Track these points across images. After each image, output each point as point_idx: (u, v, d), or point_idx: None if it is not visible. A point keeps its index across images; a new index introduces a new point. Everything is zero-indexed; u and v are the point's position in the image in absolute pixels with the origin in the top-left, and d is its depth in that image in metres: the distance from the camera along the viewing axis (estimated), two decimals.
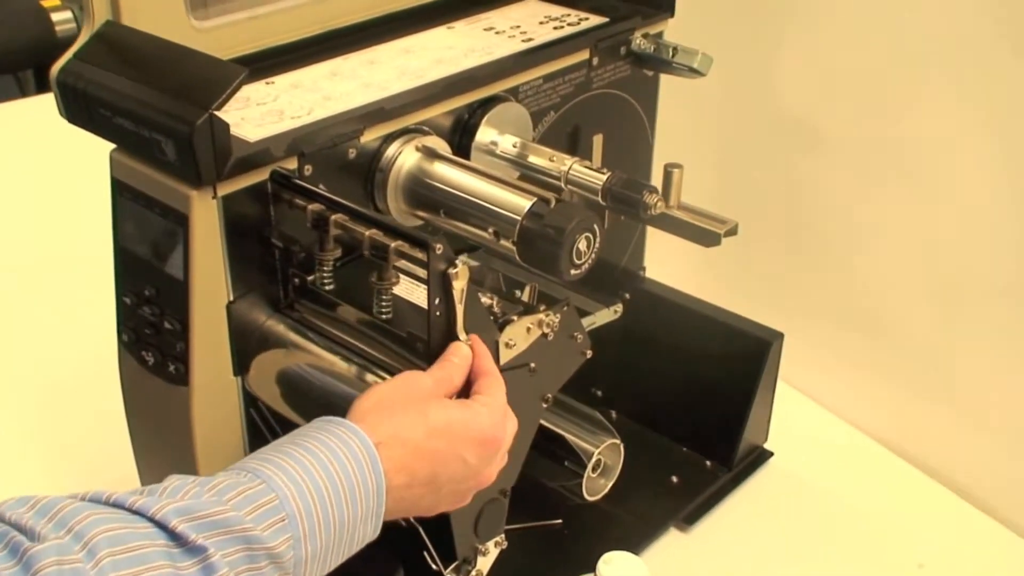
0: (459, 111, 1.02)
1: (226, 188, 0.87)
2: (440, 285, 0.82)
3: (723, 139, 1.43)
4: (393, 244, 0.85)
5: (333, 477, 0.71)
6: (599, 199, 1.00)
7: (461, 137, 1.04)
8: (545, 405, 0.97)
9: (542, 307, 0.95)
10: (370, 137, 0.96)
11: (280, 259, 0.92)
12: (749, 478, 1.26)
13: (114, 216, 0.93)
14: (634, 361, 1.30)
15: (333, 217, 0.88)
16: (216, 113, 0.82)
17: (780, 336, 1.23)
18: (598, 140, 1.14)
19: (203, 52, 0.87)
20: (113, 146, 0.92)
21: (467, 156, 1.04)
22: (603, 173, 1.00)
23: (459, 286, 0.84)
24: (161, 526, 0.65)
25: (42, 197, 1.74)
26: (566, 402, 1.07)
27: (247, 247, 0.90)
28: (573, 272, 0.91)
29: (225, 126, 0.84)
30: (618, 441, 1.06)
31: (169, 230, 0.88)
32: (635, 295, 1.29)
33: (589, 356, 0.99)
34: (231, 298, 0.90)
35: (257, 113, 0.96)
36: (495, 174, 0.95)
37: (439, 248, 0.81)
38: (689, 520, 1.20)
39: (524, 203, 0.91)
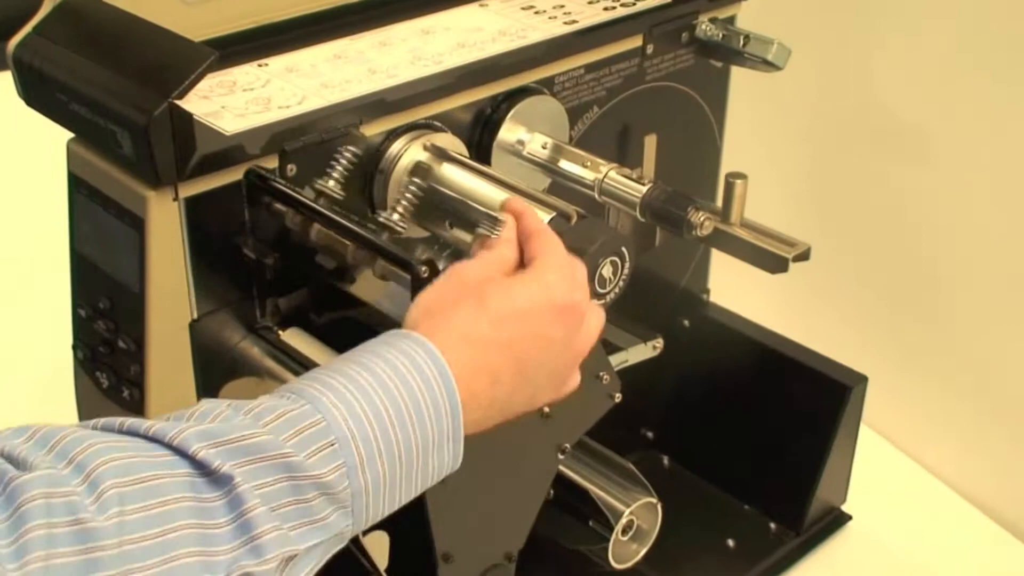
0: (481, 103, 0.98)
1: (190, 189, 0.83)
2: None
3: (802, 145, 1.36)
4: (377, 263, 0.81)
5: (393, 393, 0.66)
6: (636, 214, 0.95)
7: (482, 134, 1.00)
8: (562, 456, 0.93)
9: None
10: (370, 132, 0.91)
11: (256, 272, 0.88)
12: (821, 545, 1.21)
13: (70, 215, 0.91)
14: (692, 399, 1.26)
15: (313, 227, 0.84)
16: (178, 102, 0.79)
17: (863, 380, 1.17)
18: (651, 142, 1.09)
19: (170, 31, 0.84)
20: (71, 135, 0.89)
21: (487, 156, 1.00)
22: (643, 183, 0.95)
23: None
24: (181, 453, 0.60)
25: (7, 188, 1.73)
26: (595, 449, 1.02)
27: (215, 257, 0.87)
28: (595, 303, 0.86)
29: (188, 117, 0.81)
30: (655, 500, 1.01)
31: (124, 235, 0.85)
32: (696, 322, 1.25)
33: (618, 400, 0.94)
34: (195, 316, 0.87)
35: (242, 100, 0.92)
36: (513, 182, 0.91)
37: (424, 272, 0.77)
38: None
39: (542, 218, 0.87)
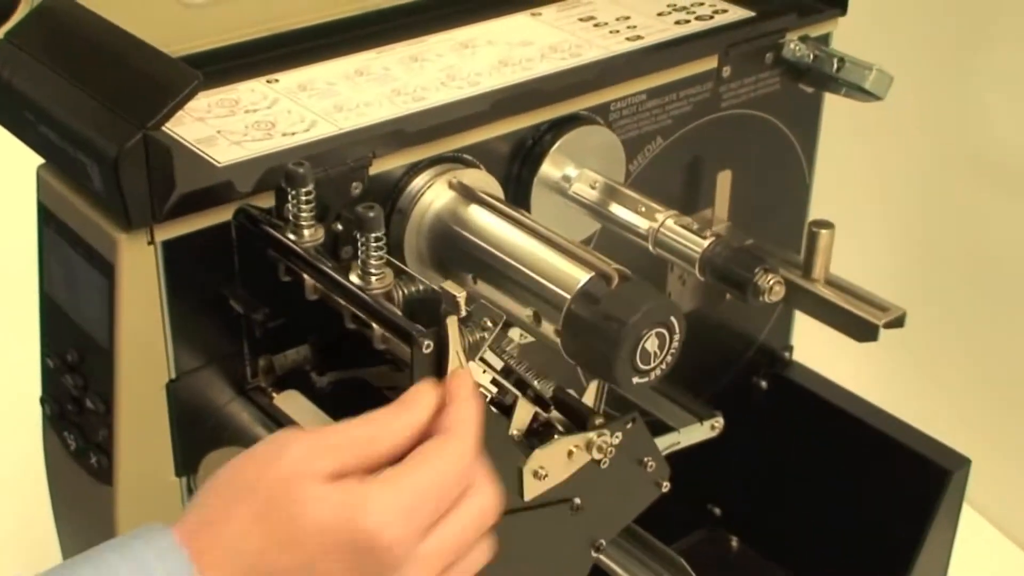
0: (521, 133, 0.92)
1: (168, 231, 0.79)
2: None
3: (902, 188, 1.28)
4: (377, 331, 0.75)
5: None
6: (695, 272, 0.89)
7: (521, 168, 0.94)
8: (596, 554, 0.87)
9: (597, 420, 0.84)
10: (388, 166, 0.86)
11: (245, 327, 0.84)
12: None
13: (39, 251, 0.87)
14: (766, 473, 1.19)
15: (308, 282, 0.79)
16: (152, 133, 0.74)
17: (966, 464, 1.10)
18: (724, 180, 1.03)
19: (153, 48, 0.79)
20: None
21: (526, 194, 0.94)
22: (704, 236, 0.88)
23: None
24: None
25: None
26: (638, 534, 0.96)
27: (198, 309, 0.83)
28: (636, 380, 0.80)
29: (165, 150, 0.76)
30: None
31: (94, 280, 0.81)
32: (775, 384, 1.18)
33: (666, 489, 0.88)
34: (173, 375, 0.83)
35: (241, 124, 0.88)
36: (547, 230, 0.85)
37: (427, 346, 0.71)
38: None
39: (576, 278, 0.81)
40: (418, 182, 0.89)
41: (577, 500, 0.84)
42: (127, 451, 0.84)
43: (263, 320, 0.82)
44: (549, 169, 0.94)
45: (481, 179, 0.91)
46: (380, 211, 0.75)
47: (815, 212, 1.10)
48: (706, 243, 0.89)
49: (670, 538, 0.97)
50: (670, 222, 0.91)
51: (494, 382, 0.80)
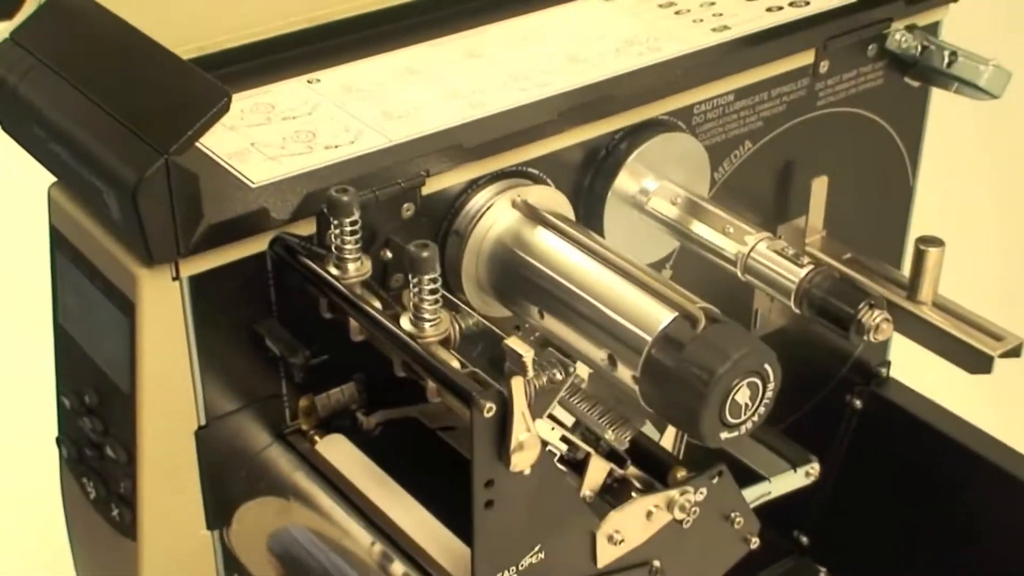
0: (594, 142, 0.84)
1: (195, 266, 0.72)
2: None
3: (1018, 197, 1.18)
4: (429, 385, 0.67)
5: None
6: (791, 304, 0.80)
7: (593, 180, 0.86)
8: None
9: (680, 474, 0.76)
10: (444, 184, 0.78)
11: (283, 366, 0.76)
12: None
13: (52, 279, 0.80)
14: (859, 500, 1.11)
15: (352, 323, 0.71)
16: (176, 159, 0.67)
17: None
18: (820, 186, 0.94)
19: (178, 57, 0.71)
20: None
21: (599, 210, 0.86)
22: (801, 264, 0.80)
23: (524, 462, 0.66)
24: None
25: None
26: None
27: (230, 348, 0.76)
28: (725, 436, 0.72)
29: (190, 177, 0.68)
30: None
31: (112, 318, 0.74)
32: (870, 404, 1.10)
33: (756, 545, 0.80)
34: (202, 422, 0.76)
35: (278, 134, 0.80)
36: (628, 261, 0.77)
37: (488, 409, 0.63)
38: None
39: (657, 319, 0.73)
40: (478, 200, 0.81)
41: (656, 563, 0.77)
42: (152, 503, 0.77)
43: (303, 363, 0.74)
44: (625, 182, 0.86)
45: (548, 197, 0.83)
46: (435, 250, 0.67)
47: (918, 221, 1.01)
48: (803, 272, 0.80)
49: (753, 568, 0.89)
50: (762, 247, 0.82)
51: (563, 439, 0.72)
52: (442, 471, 0.81)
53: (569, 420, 0.73)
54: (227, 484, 0.80)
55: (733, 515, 0.79)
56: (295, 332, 0.77)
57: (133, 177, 0.68)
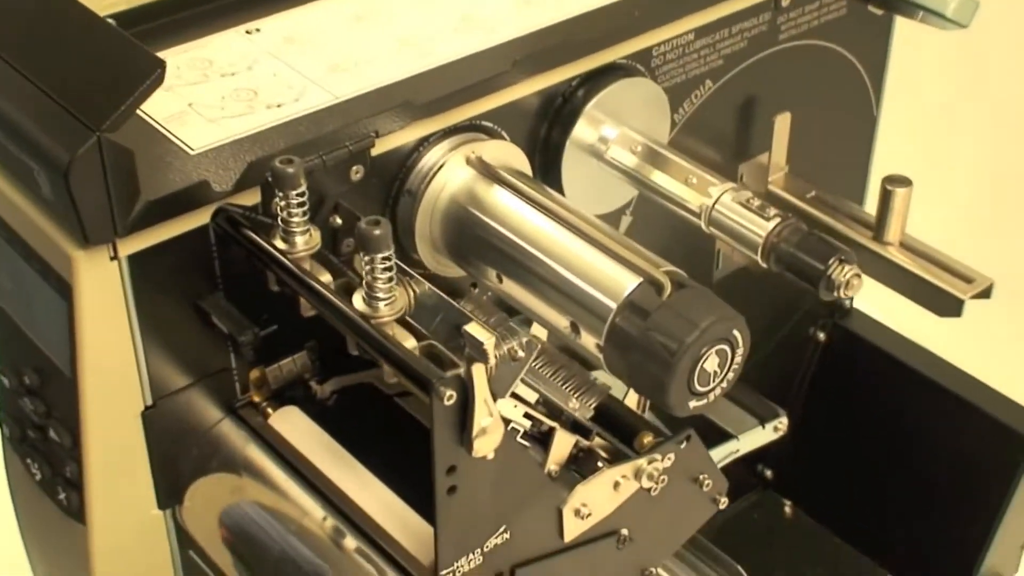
0: (550, 90, 0.80)
1: (134, 244, 0.68)
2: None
3: (984, 129, 1.15)
4: (386, 367, 0.64)
5: None
6: (757, 258, 0.77)
7: (550, 129, 0.82)
8: None
9: (646, 439, 0.74)
10: (395, 143, 0.74)
11: (232, 346, 0.73)
12: None
13: None
14: (823, 433, 1.09)
15: (301, 300, 0.68)
16: (110, 136, 0.62)
17: None
18: (783, 123, 0.90)
19: (106, 22, 0.67)
20: None
21: (557, 160, 0.83)
22: (768, 217, 0.77)
23: (486, 447, 0.63)
24: None
25: None
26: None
27: (175, 326, 0.72)
28: (694, 404, 0.70)
29: (125, 153, 0.64)
30: None
31: (50, 300, 0.70)
32: (833, 336, 1.08)
33: (724, 505, 0.78)
34: (148, 403, 0.72)
35: (217, 94, 0.76)
36: (588, 221, 0.74)
37: (449, 397, 0.60)
38: None
39: (621, 285, 0.69)
40: (430, 158, 0.78)
41: (624, 531, 0.75)
42: (100, 486, 0.74)
43: (252, 341, 0.71)
44: (583, 131, 0.83)
45: (504, 152, 0.79)
46: (387, 227, 0.64)
47: (881, 156, 0.98)
48: (771, 225, 0.77)
49: None
50: (727, 199, 0.79)
51: (527, 415, 0.69)
52: (401, 438, 0.78)
53: (531, 395, 0.70)
54: (177, 463, 0.77)
55: (702, 477, 0.77)
56: (243, 305, 0.74)
57: (64, 156, 0.64)
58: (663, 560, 0.79)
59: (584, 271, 0.72)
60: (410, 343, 0.66)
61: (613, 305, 0.70)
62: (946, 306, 0.87)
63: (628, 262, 0.71)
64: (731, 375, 0.71)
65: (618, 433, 0.75)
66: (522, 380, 0.67)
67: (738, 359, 0.71)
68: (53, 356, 0.72)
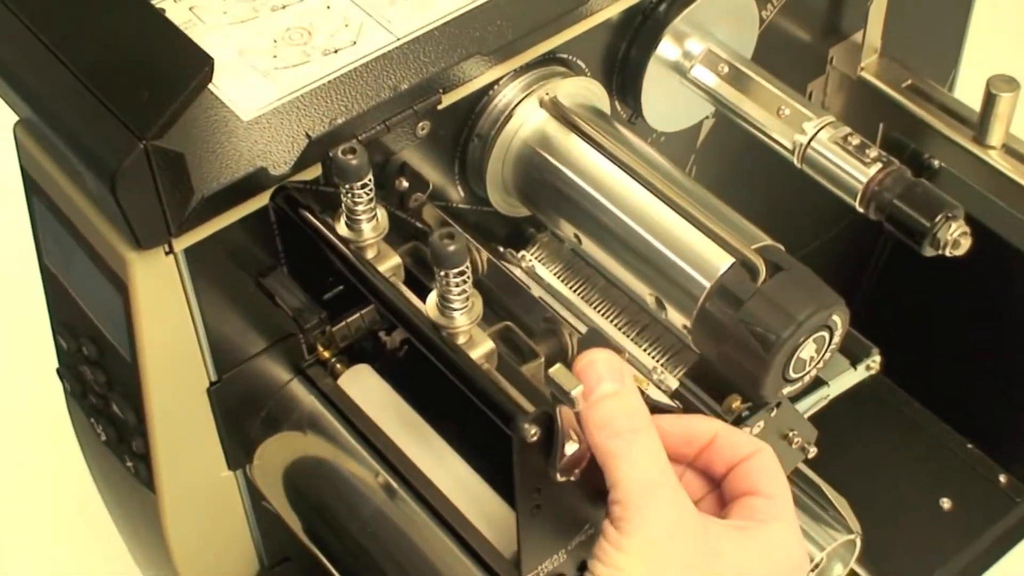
0: (631, 7, 0.73)
1: (190, 238, 0.63)
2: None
3: None
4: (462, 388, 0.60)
5: None
6: (856, 204, 0.71)
7: (630, 48, 0.75)
8: None
9: (735, 403, 0.70)
10: (462, 93, 0.68)
11: (297, 323, 0.69)
12: None
13: (31, 216, 0.71)
14: (907, 292, 1.04)
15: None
16: (159, 144, 0.57)
17: None
18: (878, 7, 0.82)
19: (161, 15, 0.60)
20: None
21: (639, 77, 0.76)
22: (868, 160, 0.70)
23: (572, 469, 0.60)
24: None
25: None
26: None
27: (237, 306, 0.68)
28: (786, 390, 0.66)
29: (175, 157, 0.59)
30: (855, 535, 0.83)
31: (104, 287, 0.66)
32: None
33: (812, 454, 0.75)
34: (213, 379, 0.69)
35: (269, 35, 0.70)
36: (672, 180, 0.68)
37: (534, 435, 0.56)
38: None
39: (714, 266, 0.64)
40: (501, 99, 0.72)
41: None
42: (168, 460, 0.72)
43: (318, 326, 0.67)
44: (664, 50, 0.75)
45: (582, 89, 0.73)
46: (462, 242, 0.59)
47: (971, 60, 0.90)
48: (872, 171, 0.71)
49: None
50: (824, 136, 0.73)
51: None
52: None
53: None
54: (246, 426, 0.74)
55: (791, 434, 0.73)
56: (307, 272, 0.69)
57: (110, 165, 0.59)
58: None
59: (673, 243, 0.67)
60: (485, 347, 0.62)
61: (705, 285, 0.66)
62: None
63: (719, 237, 0.66)
64: (828, 355, 0.67)
65: (708, 390, 0.71)
66: None
67: (836, 339, 0.66)
68: (111, 336, 0.69)
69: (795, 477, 0.87)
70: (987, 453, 1.04)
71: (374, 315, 0.74)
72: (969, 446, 1.05)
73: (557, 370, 0.56)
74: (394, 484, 0.70)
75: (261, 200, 0.65)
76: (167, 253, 0.64)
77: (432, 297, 0.62)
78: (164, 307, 0.65)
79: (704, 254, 0.66)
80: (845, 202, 0.73)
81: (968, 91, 0.88)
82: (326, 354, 0.74)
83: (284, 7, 0.72)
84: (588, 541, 0.67)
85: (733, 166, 0.84)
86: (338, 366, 0.74)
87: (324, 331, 0.71)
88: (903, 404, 1.06)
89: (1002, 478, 1.03)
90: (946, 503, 1.02)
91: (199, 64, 0.59)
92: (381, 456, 0.71)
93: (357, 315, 0.73)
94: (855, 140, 0.72)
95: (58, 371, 0.76)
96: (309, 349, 0.73)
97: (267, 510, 0.78)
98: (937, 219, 0.69)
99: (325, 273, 0.70)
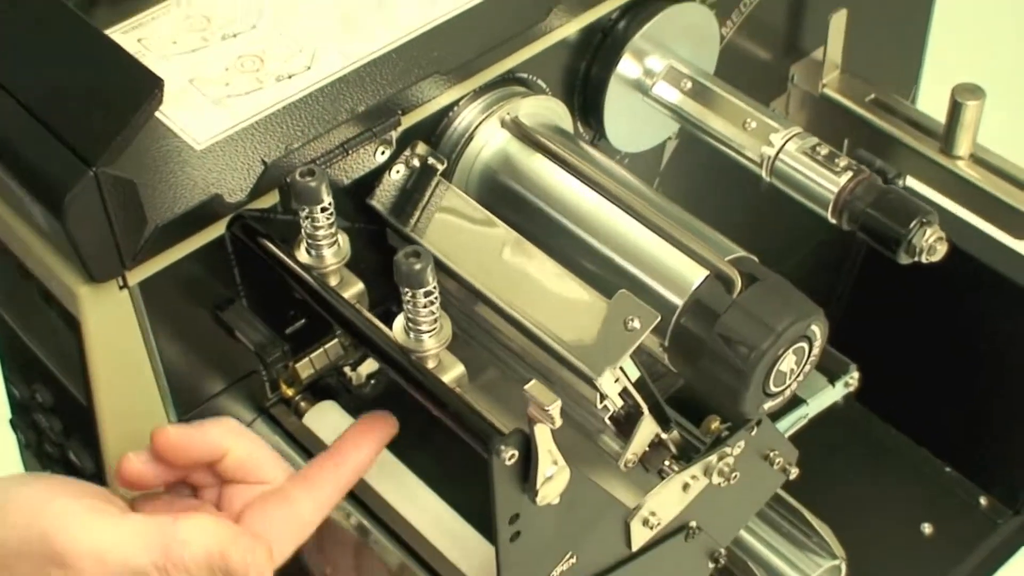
0: (590, 25, 0.71)
1: (145, 270, 0.61)
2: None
3: None
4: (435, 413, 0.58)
5: None
6: (827, 215, 0.70)
7: (590, 66, 0.73)
8: (714, 565, 0.72)
9: (713, 424, 0.68)
10: (422, 115, 0.66)
11: (259, 358, 0.66)
12: None
13: None
14: (878, 316, 1.02)
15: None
16: (110, 171, 0.55)
17: None
18: (838, 21, 0.81)
19: (107, 37, 0.58)
20: None
21: (601, 96, 0.74)
22: (837, 170, 0.69)
23: (552, 494, 0.57)
24: None
25: None
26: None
27: (196, 342, 0.65)
28: (767, 405, 0.63)
29: (128, 186, 0.56)
30: (840, 560, 0.81)
31: (56, 325, 0.63)
32: None
33: (795, 475, 0.72)
34: (174, 421, 0.66)
35: (220, 63, 0.68)
36: (638, 194, 0.66)
37: (511, 457, 0.54)
38: None
39: (687, 280, 0.62)
40: (461, 122, 0.70)
41: (693, 523, 0.69)
42: None
43: (281, 358, 0.64)
44: (627, 66, 0.73)
45: (543, 109, 0.71)
46: (428, 261, 0.56)
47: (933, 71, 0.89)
48: (843, 180, 0.69)
49: None
50: (792, 147, 0.71)
51: (623, 393, 0.62)
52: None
53: (634, 373, 0.63)
54: None
55: (772, 454, 0.71)
56: (267, 305, 0.66)
57: (58, 194, 0.56)
58: (729, 540, 0.74)
59: (642, 260, 0.65)
60: (455, 371, 0.60)
61: (678, 303, 0.63)
62: (1016, 225, 0.80)
63: (691, 250, 0.64)
64: (808, 367, 0.65)
65: (685, 413, 0.69)
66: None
67: (816, 352, 0.64)
68: (65, 380, 0.66)
69: (776, 504, 0.85)
70: (966, 476, 1.02)
71: (338, 349, 0.71)
72: (947, 470, 1.03)
73: (533, 386, 0.54)
74: (366, 523, 0.68)
75: (217, 229, 0.63)
76: (121, 287, 0.61)
77: (399, 321, 0.60)
78: (119, 345, 0.63)
79: (677, 268, 0.64)
80: (809, 227, 0.71)
81: (931, 104, 0.86)
82: (289, 392, 0.71)
83: (235, 35, 0.70)
84: (570, 571, 0.64)
85: (698, 188, 0.82)
86: (303, 404, 0.72)
87: (287, 365, 0.68)
88: (878, 431, 1.05)
89: (982, 500, 1.01)
90: (927, 528, 1.00)
91: (149, 86, 0.57)
92: (351, 495, 0.68)
93: (321, 350, 0.71)
94: (824, 150, 0.70)
95: (11, 422, 0.73)
96: (272, 387, 0.70)
97: None
98: (912, 225, 0.68)
99: (286, 305, 0.67)
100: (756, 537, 0.82)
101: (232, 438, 0.61)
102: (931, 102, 0.86)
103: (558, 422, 0.54)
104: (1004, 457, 0.99)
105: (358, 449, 0.63)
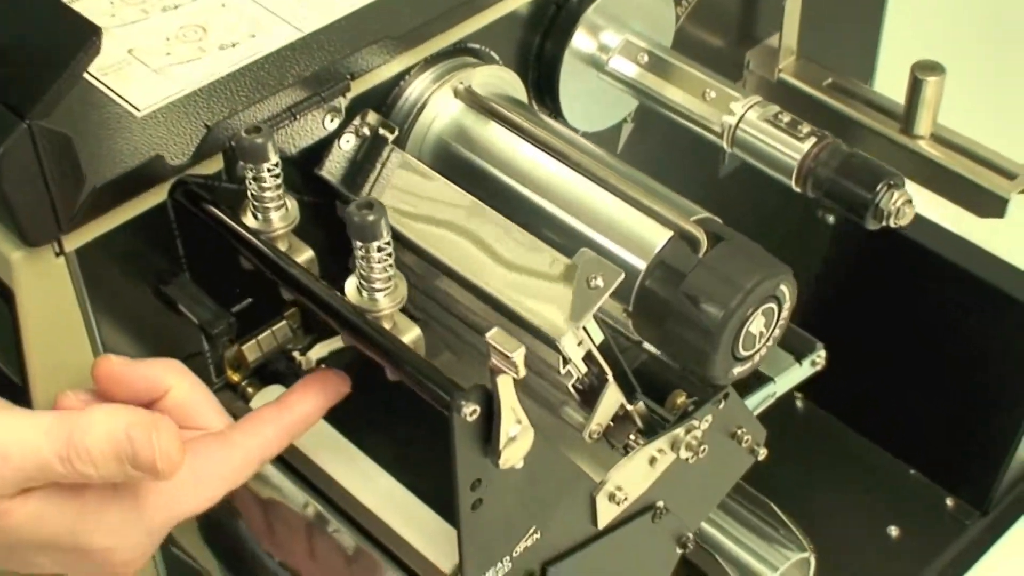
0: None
1: (82, 236, 0.57)
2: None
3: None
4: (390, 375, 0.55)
5: None
6: (792, 183, 0.68)
7: (544, 41, 0.71)
8: (682, 551, 0.70)
9: (679, 399, 0.65)
10: (373, 80, 0.64)
11: (205, 334, 0.63)
12: (1014, 526, 0.99)
13: None
14: (837, 322, 1.00)
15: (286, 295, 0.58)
16: (44, 124, 0.52)
17: None
18: (792, 9, 0.79)
19: None
20: None
21: (555, 73, 0.72)
22: (801, 136, 0.67)
23: (515, 456, 0.54)
24: None
25: None
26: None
27: (137, 317, 0.62)
28: (738, 370, 0.61)
29: (64, 140, 0.53)
30: (808, 553, 0.78)
31: None
32: (845, 218, 0.98)
33: (763, 455, 0.70)
34: None
35: (160, 34, 0.65)
36: (599, 160, 0.64)
37: (471, 412, 0.51)
38: None
39: (650, 242, 0.60)
40: (413, 92, 0.67)
41: (660, 503, 0.66)
42: None
43: (226, 331, 0.61)
44: (581, 41, 0.72)
45: (496, 78, 0.68)
46: (382, 212, 0.54)
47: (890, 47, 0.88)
48: (806, 147, 0.67)
49: None
50: (753, 115, 0.69)
51: (587, 357, 0.59)
52: (407, 412, 0.69)
53: (598, 335, 0.60)
54: None
55: (740, 432, 0.69)
56: (212, 281, 0.64)
57: None
58: (696, 525, 0.71)
59: (604, 224, 0.63)
60: (412, 333, 0.57)
61: (641, 265, 0.61)
62: (987, 205, 0.79)
63: (654, 212, 0.62)
64: (777, 331, 0.63)
65: (649, 391, 0.67)
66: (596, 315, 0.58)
67: (785, 314, 0.62)
68: (0, 362, 0.62)
69: (743, 497, 0.83)
70: (931, 478, 1.00)
71: (287, 331, 0.68)
72: (912, 472, 1.01)
73: (496, 333, 0.51)
74: (320, 508, 0.65)
75: (159, 195, 0.60)
76: (57, 254, 0.58)
77: (351, 281, 0.57)
78: (55, 318, 0.60)
79: (640, 230, 0.62)
80: (768, 216, 0.69)
81: (888, 87, 0.85)
82: (235, 377, 0.68)
83: (176, 7, 0.68)
84: (535, 547, 0.61)
85: (655, 171, 0.80)
86: (249, 389, 0.68)
87: (232, 341, 0.65)
88: (842, 435, 1.03)
89: (949, 502, 0.99)
90: (894, 531, 0.98)
91: (86, 34, 0.54)
92: (304, 479, 0.65)
93: (268, 331, 0.68)
94: (786, 117, 0.69)
95: None
96: (217, 371, 0.67)
97: (178, 558, 0.72)
98: (879, 188, 0.66)
99: (232, 283, 0.65)
100: (722, 531, 0.80)
101: (175, 376, 0.58)
102: (889, 88, 0.85)
103: (522, 371, 0.51)
104: (971, 458, 0.97)
105: (304, 400, 0.60)
